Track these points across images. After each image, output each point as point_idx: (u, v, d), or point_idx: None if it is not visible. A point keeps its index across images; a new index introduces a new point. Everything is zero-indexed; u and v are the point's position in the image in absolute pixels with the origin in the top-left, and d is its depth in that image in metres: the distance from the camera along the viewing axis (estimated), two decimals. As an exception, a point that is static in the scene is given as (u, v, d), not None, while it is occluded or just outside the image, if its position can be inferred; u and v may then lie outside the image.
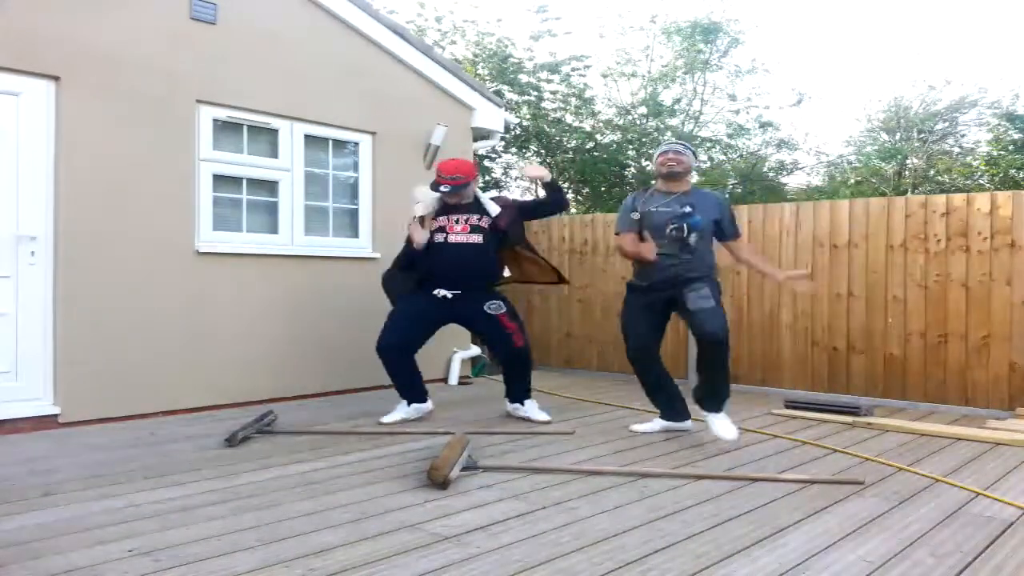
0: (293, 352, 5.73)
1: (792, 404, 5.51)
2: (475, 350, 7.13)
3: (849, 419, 5.02)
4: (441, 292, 4.79)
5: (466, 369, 7.02)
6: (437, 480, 3.36)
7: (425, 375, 6.39)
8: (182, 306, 5.15)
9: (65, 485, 3.38)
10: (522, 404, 5.04)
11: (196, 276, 5.22)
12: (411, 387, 4.92)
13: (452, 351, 6.79)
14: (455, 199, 4.81)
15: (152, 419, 4.95)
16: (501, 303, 4.85)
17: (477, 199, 4.90)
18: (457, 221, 4.79)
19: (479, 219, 4.80)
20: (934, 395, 5.62)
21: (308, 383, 5.82)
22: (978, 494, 3.39)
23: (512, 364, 4.97)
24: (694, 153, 4.58)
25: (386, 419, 4.89)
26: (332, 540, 2.72)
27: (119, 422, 4.80)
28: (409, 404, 4.96)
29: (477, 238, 4.76)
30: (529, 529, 2.86)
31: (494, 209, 4.83)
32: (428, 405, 5.04)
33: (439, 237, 4.78)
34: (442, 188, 4.72)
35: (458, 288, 4.78)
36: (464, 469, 3.57)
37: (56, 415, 4.61)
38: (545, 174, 4.81)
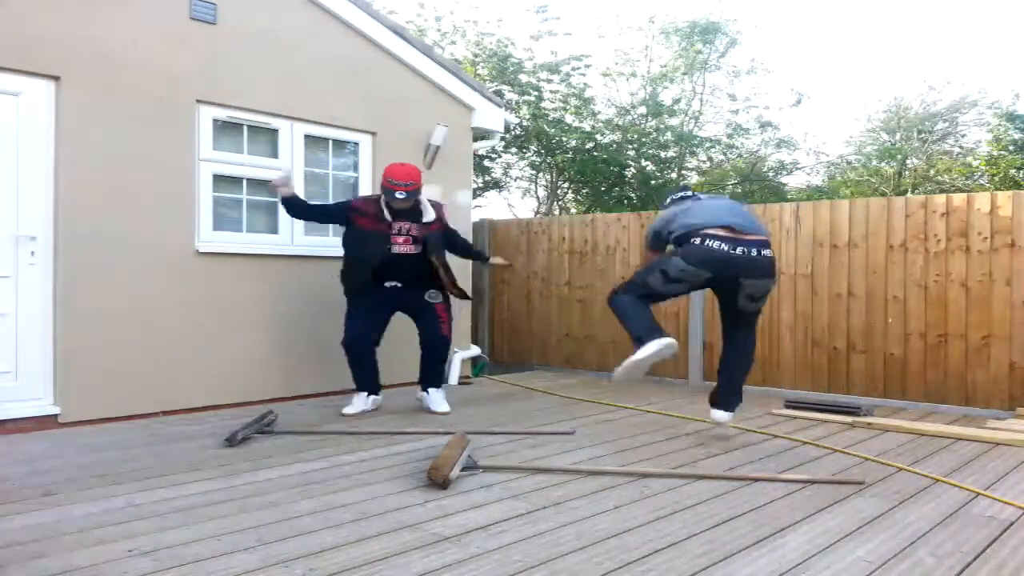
0: (293, 352, 5.73)
1: (792, 404, 5.51)
2: (475, 350, 7.13)
3: (849, 419, 5.02)
4: (392, 283, 5.11)
5: (466, 369, 7.02)
6: (437, 480, 3.36)
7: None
8: (182, 306, 5.15)
9: (65, 485, 3.38)
10: (427, 392, 5.31)
11: (196, 276, 5.21)
12: (370, 380, 5.25)
13: (452, 351, 6.78)
14: (407, 204, 5.01)
15: (152, 419, 4.94)
16: (439, 293, 5.20)
17: (418, 203, 5.10)
18: (399, 231, 5.03)
19: (417, 229, 5.07)
20: (934, 395, 5.61)
21: (308, 383, 5.82)
22: (978, 494, 3.39)
23: (433, 350, 5.24)
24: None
25: (348, 411, 5.15)
26: (332, 540, 2.72)
27: (119, 422, 4.80)
28: (368, 396, 5.24)
29: (414, 248, 5.06)
30: (529, 529, 2.86)
31: (429, 215, 5.10)
32: (380, 399, 5.38)
33: (385, 245, 5.01)
34: (398, 195, 4.89)
35: (403, 284, 5.15)
36: (464, 469, 3.57)
37: (56, 415, 4.60)
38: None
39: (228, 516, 2.97)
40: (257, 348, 5.54)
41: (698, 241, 3.99)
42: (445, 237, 5.27)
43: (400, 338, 5.91)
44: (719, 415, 4.22)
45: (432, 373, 5.29)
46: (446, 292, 5.22)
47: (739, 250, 3.95)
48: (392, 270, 5.05)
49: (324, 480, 3.52)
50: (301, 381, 5.78)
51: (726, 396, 4.24)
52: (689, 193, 4.59)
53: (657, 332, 4.02)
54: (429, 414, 5.20)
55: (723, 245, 3.96)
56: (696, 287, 4.16)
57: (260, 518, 2.95)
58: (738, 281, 4.03)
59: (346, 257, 5.15)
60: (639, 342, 4.04)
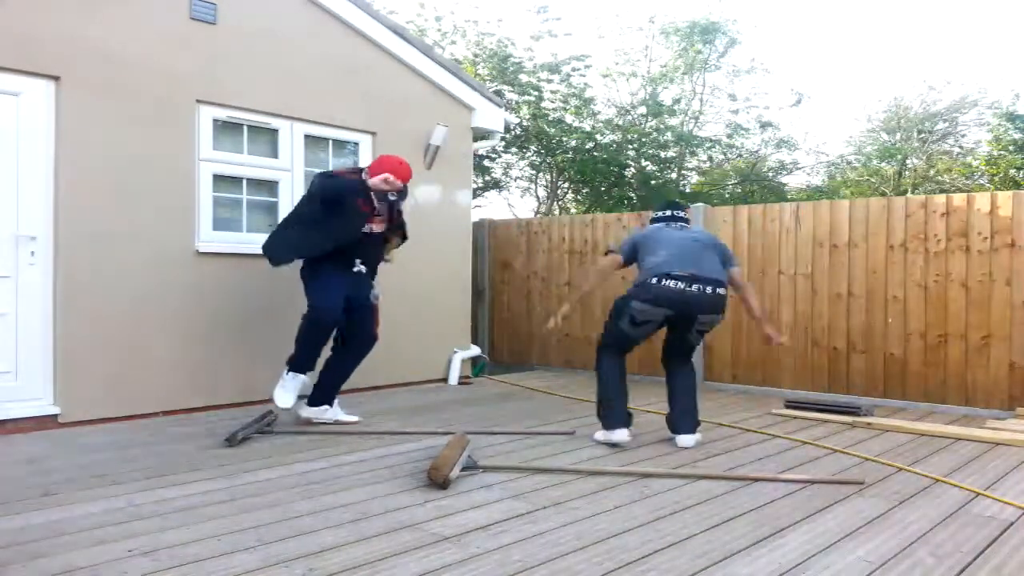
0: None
1: (792, 404, 5.51)
2: (475, 350, 7.13)
3: (849, 419, 5.02)
4: (358, 267, 4.80)
5: (466, 369, 7.02)
6: (437, 480, 3.36)
7: (425, 375, 6.42)
8: (182, 306, 5.15)
9: (65, 485, 3.38)
10: (331, 405, 4.89)
11: (196, 276, 5.21)
12: (315, 360, 4.78)
13: (452, 351, 6.78)
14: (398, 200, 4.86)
15: (152, 419, 4.94)
16: (378, 295, 4.95)
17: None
18: (379, 212, 4.81)
19: (389, 208, 4.86)
20: (934, 395, 5.61)
21: (308, 383, 5.81)
22: (978, 494, 3.39)
23: (359, 351, 4.89)
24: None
25: (286, 403, 4.66)
26: (332, 540, 2.72)
27: (119, 422, 4.80)
28: (305, 373, 4.77)
29: (383, 227, 4.86)
30: (529, 529, 2.86)
31: (403, 202, 4.90)
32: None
33: (362, 224, 4.74)
34: (390, 196, 4.73)
35: (367, 267, 4.87)
36: (464, 469, 3.57)
37: (56, 415, 4.60)
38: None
39: (228, 516, 2.97)
40: (257, 348, 5.54)
41: (655, 281, 4.23)
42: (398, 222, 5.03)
43: (401, 336, 5.93)
44: (687, 440, 4.35)
45: (336, 385, 4.90)
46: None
47: (695, 287, 4.21)
48: (363, 252, 4.79)
49: (324, 480, 3.52)
50: (301, 381, 5.77)
51: (687, 421, 4.41)
52: (669, 213, 4.67)
53: (621, 423, 4.33)
54: (424, 415, 5.19)
55: (679, 284, 4.21)
56: (660, 325, 4.37)
57: (260, 518, 2.95)
58: (694, 316, 4.28)
59: (325, 226, 4.67)
60: (605, 426, 4.34)
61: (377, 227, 4.83)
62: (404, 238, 5.10)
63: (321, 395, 4.87)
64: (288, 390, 4.67)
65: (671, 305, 4.21)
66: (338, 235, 4.67)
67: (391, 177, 4.61)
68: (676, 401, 4.43)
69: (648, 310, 4.24)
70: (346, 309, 4.77)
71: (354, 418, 4.93)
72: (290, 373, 4.71)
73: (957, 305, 5.54)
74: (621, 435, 4.28)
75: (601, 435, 4.36)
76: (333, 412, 4.90)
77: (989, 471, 3.82)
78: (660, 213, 4.71)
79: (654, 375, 6.85)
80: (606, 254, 4.63)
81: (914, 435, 4.68)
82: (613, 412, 4.30)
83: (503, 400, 5.90)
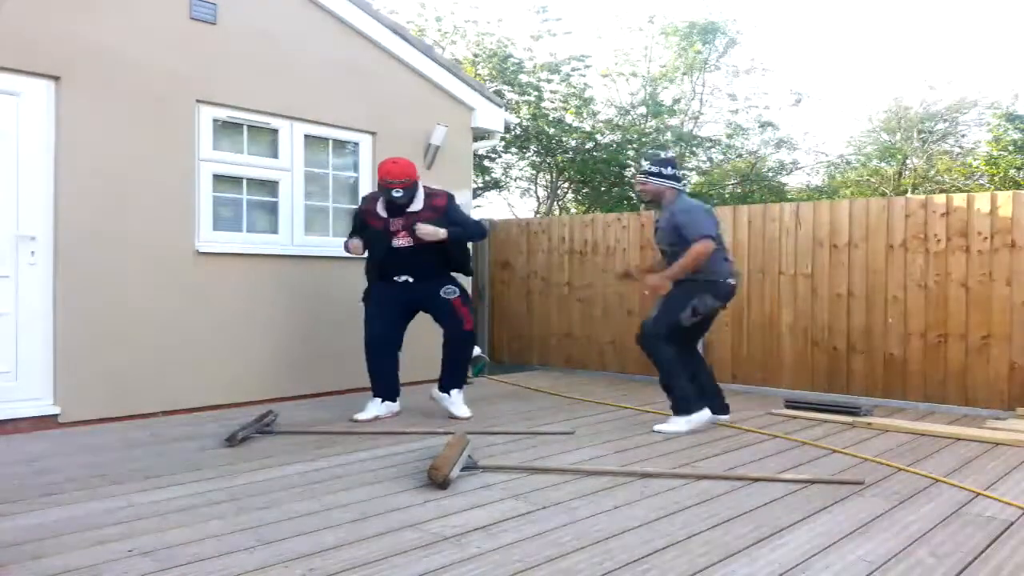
0: (293, 352, 5.73)
1: (792, 404, 5.51)
2: (475, 350, 7.12)
3: (849, 419, 5.02)
4: (402, 277, 4.98)
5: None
6: (437, 480, 3.36)
7: (425, 375, 6.41)
8: (182, 306, 5.15)
9: (65, 485, 3.38)
10: (448, 394, 5.13)
11: (196, 276, 5.22)
12: (387, 385, 5.04)
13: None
14: (405, 200, 4.83)
15: (152, 419, 4.94)
16: (455, 288, 5.04)
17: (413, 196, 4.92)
18: (400, 227, 4.87)
19: (407, 219, 4.88)
20: (934, 395, 5.61)
21: (308, 383, 5.82)
22: (978, 494, 3.39)
23: (455, 346, 5.07)
24: (672, 165, 4.75)
25: (359, 416, 4.95)
26: (332, 540, 2.72)
27: (119, 422, 4.80)
28: (383, 402, 5.03)
29: (411, 242, 4.87)
30: (529, 529, 2.86)
31: (416, 206, 4.88)
32: (397, 406, 5.11)
33: (385, 241, 4.90)
34: (395, 193, 4.76)
35: (413, 277, 4.99)
36: (464, 469, 3.57)
37: (56, 415, 4.61)
38: (438, 234, 4.84)
39: (228, 516, 2.97)
40: (257, 348, 5.54)
41: (727, 281, 4.53)
42: (446, 223, 4.94)
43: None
44: (723, 417, 4.81)
45: (454, 373, 5.12)
46: (463, 288, 5.07)
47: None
48: (398, 265, 4.93)
49: (324, 480, 3.52)
50: (301, 381, 5.78)
51: (723, 402, 4.85)
52: (681, 174, 4.84)
53: (699, 402, 4.60)
54: (427, 414, 5.19)
55: (735, 281, 4.60)
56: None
57: (260, 518, 2.95)
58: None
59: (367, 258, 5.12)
60: (684, 411, 4.59)
61: (403, 241, 4.87)
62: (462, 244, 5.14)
63: (441, 380, 5.17)
64: (367, 411, 4.98)
65: (727, 301, 4.56)
66: (368, 259, 5.07)
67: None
68: (712, 386, 4.81)
69: (716, 307, 4.53)
70: (432, 316, 5.09)
71: (467, 412, 5.08)
72: (372, 397, 5.06)
73: (957, 305, 5.54)
74: (703, 415, 4.53)
75: (683, 422, 4.54)
76: (449, 400, 5.12)
77: (989, 471, 3.82)
78: (677, 171, 4.74)
79: (655, 375, 6.84)
80: (698, 239, 4.44)
81: (914, 435, 4.68)
82: (688, 397, 4.54)
83: (503, 400, 5.89)
